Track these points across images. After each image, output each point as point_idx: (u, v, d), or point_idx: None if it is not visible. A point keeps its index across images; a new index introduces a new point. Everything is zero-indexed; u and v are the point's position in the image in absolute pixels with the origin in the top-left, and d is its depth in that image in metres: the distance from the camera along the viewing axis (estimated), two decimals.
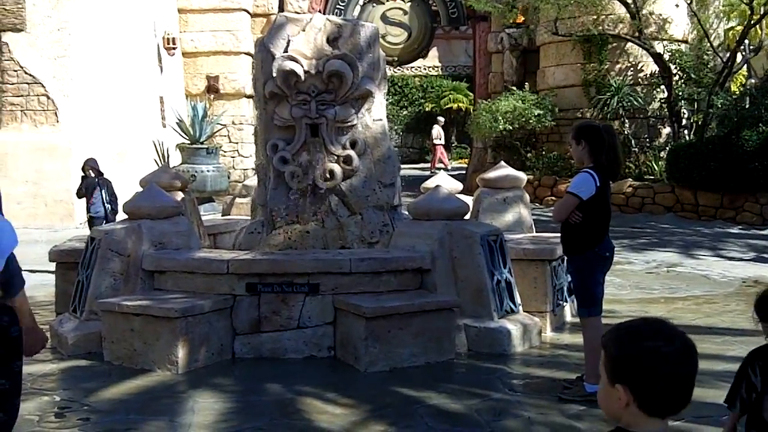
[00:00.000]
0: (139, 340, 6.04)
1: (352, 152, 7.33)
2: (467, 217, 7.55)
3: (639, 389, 1.86)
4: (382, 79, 7.77)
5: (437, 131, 29.33)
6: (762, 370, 3.12)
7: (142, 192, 7.38)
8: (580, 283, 5.44)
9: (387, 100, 8.85)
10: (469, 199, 8.38)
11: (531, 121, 18.22)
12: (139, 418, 4.94)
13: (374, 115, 7.56)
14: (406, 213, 7.74)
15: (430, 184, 9.12)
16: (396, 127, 33.11)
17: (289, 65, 7.08)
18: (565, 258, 5.74)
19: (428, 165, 29.31)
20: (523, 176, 9.01)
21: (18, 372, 2.62)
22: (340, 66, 7.12)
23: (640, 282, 9.89)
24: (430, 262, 6.52)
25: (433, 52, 31.46)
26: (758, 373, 3.12)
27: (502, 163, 9.46)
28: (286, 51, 7.19)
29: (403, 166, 13.77)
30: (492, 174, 8.87)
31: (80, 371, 5.99)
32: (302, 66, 7.09)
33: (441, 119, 30.19)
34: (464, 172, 22.79)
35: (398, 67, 28.86)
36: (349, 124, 7.36)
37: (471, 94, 28.14)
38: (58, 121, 15.83)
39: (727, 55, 17.72)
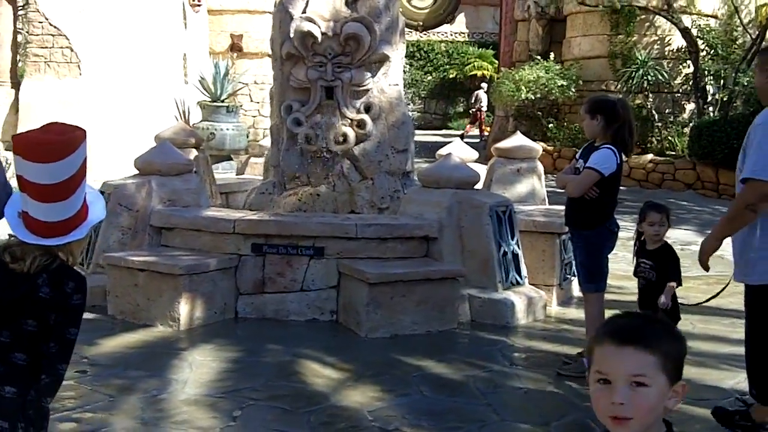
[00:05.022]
0: (143, 295, 6.07)
1: (366, 116, 7.29)
2: (478, 186, 7.50)
3: None
4: (400, 43, 7.70)
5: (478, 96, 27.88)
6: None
7: (154, 148, 7.37)
8: (590, 258, 5.36)
9: (412, 65, 8.78)
10: (483, 168, 8.30)
11: (554, 91, 18.03)
12: (136, 374, 4.96)
13: (390, 80, 7.50)
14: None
15: (444, 151, 9.05)
16: (420, 92, 32.80)
17: (307, 26, 7.03)
18: (572, 233, 5.66)
19: (458, 132, 28.29)
20: (538, 147, 8.89)
21: (71, 340, 2.69)
22: (358, 29, 7.05)
23: None
24: (437, 231, 6.48)
25: (461, 18, 31.15)
26: None
27: (518, 132, 9.35)
28: (304, 12, 7.15)
29: (424, 132, 13.58)
30: (506, 144, 8.76)
31: (83, 324, 5.98)
32: (320, 28, 7.04)
33: (484, 86, 28.35)
34: (478, 140, 22.55)
35: (424, 32, 28.44)
36: (364, 87, 7.31)
37: (496, 62, 27.67)
38: (80, 74, 15.86)
39: (757, 32, 17.42)
